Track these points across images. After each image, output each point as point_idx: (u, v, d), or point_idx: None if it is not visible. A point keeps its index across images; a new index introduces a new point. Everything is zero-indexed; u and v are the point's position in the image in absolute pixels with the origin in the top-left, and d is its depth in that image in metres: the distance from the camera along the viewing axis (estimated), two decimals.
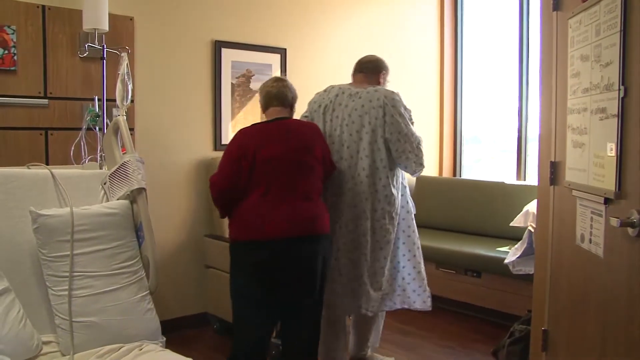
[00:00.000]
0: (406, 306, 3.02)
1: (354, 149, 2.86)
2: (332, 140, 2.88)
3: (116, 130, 2.49)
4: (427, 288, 3.02)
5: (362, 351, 3.10)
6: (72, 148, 2.97)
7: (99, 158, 2.90)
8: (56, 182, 2.25)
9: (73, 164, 2.94)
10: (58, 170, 2.32)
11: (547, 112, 2.44)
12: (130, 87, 2.58)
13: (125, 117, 2.49)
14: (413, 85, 4.74)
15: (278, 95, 2.69)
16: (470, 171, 5.28)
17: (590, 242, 1.95)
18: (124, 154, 2.46)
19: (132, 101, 2.69)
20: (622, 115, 1.71)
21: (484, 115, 5.17)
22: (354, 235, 2.87)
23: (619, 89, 1.71)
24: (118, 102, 2.56)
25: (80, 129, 3.00)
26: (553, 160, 2.36)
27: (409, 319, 3.16)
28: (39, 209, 2.07)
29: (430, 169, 4.98)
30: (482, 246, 4.02)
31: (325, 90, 3.01)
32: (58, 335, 2.02)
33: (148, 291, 2.20)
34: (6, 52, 2.94)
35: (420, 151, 2.87)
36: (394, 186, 2.87)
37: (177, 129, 3.68)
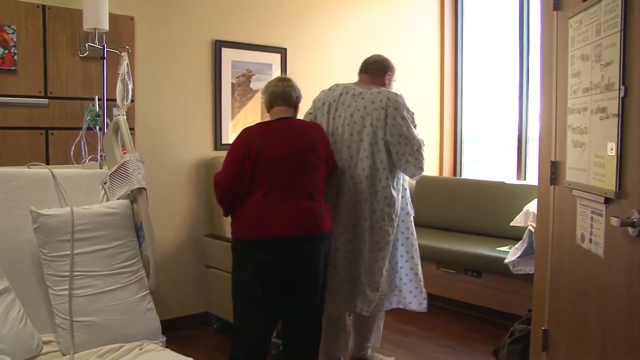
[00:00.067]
0: (401, 306, 3.04)
1: (355, 149, 2.86)
2: (334, 139, 2.89)
3: (116, 129, 2.49)
4: (424, 290, 3.03)
5: (362, 351, 3.10)
6: (73, 148, 2.97)
7: (99, 158, 2.90)
8: (56, 181, 2.25)
9: (73, 164, 2.94)
10: (58, 170, 2.32)
11: (548, 111, 2.43)
12: (130, 86, 2.58)
13: (125, 117, 2.49)
14: (413, 85, 4.73)
15: (283, 94, 2.70)
16: (471, 171, 5.28)
17: (591, 242, 1.95)
18: (124, 153, 2.46)
19: (132, 101, 2.69)
20: (623, 115, 1.71)
21: (484, 115, 5.17)
22: (352, 235, 2.87)
23: (620, 89, 1.71)
24: (118, 101, 2.56)
25: (80, 128, 3.00)
26: (553, 159, 2.36)
27: (410, 318, 3.16)
28: (40, 209, 2.07)
29: (430, 169, 4.98)
30: (482, 246, 4.02)
31: (330, 89, 3.02)
32: (58, 334, 2.02)
33: (148, 291, 2.20)
34: (6, 51, 2.94)
35: (421, 155, 2.86)
36: (394, 188, 2.87)
37: (177, 129, 3.68)
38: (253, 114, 4.01)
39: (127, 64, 2.58)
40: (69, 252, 2.04)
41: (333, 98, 2.95)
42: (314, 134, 2.70)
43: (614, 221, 1.66)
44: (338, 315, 2.98)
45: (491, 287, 3.82)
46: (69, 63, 3.14)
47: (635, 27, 1.67)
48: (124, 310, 2.08)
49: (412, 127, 2.85)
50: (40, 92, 3.07)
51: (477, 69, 5.16)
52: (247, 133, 2.63)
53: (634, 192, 1.67)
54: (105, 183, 2.37)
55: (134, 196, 2.30)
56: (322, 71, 4.24)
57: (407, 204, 2.99)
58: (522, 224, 3.53)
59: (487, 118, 5.17)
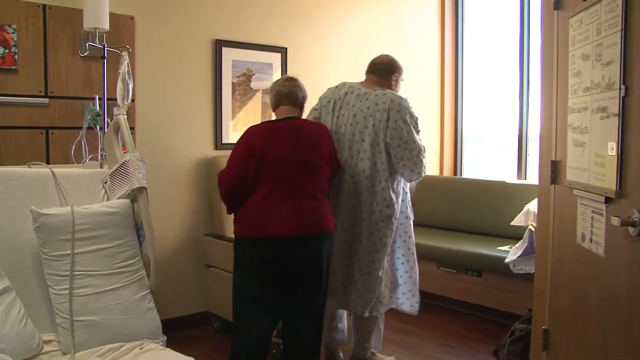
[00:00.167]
0: (394, 306, 3.07)
1: (356, 150, 2.87)
2: (337, 138, 2.91)
3: (117, 129, 2.49)
4: (417, 294, 3.05)
5: (362, 351, 3.11)
6: (73, 147, 2.97)
7: (99, 157, 2.90)
8: (57, 181, 2.26)
9: (74, 163, 2.94)
10: (59, 170, 2.32)
11: (548, 111, 2.43)
12: (130, 86, 2.58)
13: (126, 116, 2.49)
14: (413, 85, 4.72)
15: (289, 94, 2.71)
16: (471, 170, 5.28)
17: (591, 242, 1.95)
18: (124, 153, 2.46)
19: (132, 100, 2.69)
20: (623, 115, 1.70)
21: (485, 114, 5.17)
22: (350, 235, 2.89)
23: (620, 88, 1.71)
24: (119, 101, 2.56)
25: (81, 128, 3.00)
26: (554, 159, 2.36)
27: (410, 318, 3.16)
28: (40, 208, 2.07)
29: (431, 168, 4.97)
30: (482, 245, 4.02)
31: (337, 87, 3.04)
32: (59, 334, 2.02)
33: (149, 290, 2.20)
34: (7, 51, 2.94)
35: (420, 160, 2.86)
36: (393, 190, 2.88)
37: (177, 128, 3.68)
38: (253, 113, 4.01)
39: (128, 64, 2.59)
40: (69, 252, 2.04)
41: (338, 96, 2.96)
42: (319, 133, 2.70)
43: (615, 221, 1.66)
44: (332, 312, 3.02)
45: (492, 286, 3.82)
46: (69, 62, 3.14)
47: (636, 26, 1.67)
48: (125, 309, 2.08)
49: (414, 132, 2.85)
50: (40, 92, 3.07)
51: (477, 69, 5.16)
52: (251, 133, 2.63)
53: (635, 191, 1.67)
54: (105, 182, 2.37)
55: (135, 195, 2.30)
56: (322, 71, 4.24)
57: (407, 207, 3.00)
58: (522, 224, 3.53)
59: (487, 117, 5.17)
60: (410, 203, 3.03)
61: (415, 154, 2.84)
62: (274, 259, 2.52)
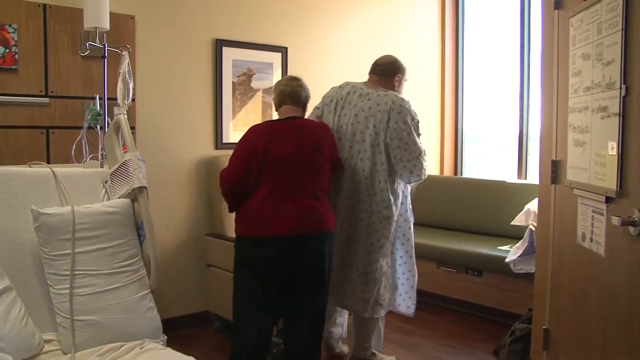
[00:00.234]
0: (390, 308, 3.08)
1: (356, 149, 2.88)
2: (338, 137, 2.92)
3: (117, 128, 2.49)
4: (414, 296, 3.07)
5: (363, 351, 3.11)
6: (74, 147, 2.97)
7: (100, 157, 2.90)
8: (57, 180, 2.26)
9: (74, 163, 2.94)
10: (59, 169, 2.32)
11: (549, 110, 2.43)
12: (131, 85, 2.57)
13: (126, 116, 2.49)
14: (414, 85, 4.71)
15: (292, 94, 2.71)
16: (472, 170, 5.28)
17: (592, 241, 1.95)
18: (125, 152, 2.46)
19: (133, 100, 2.69)
20: (624, 114, 1.70)
21: (485, 114, 5.17)
22: (348, 234, 2.90)
23: (621, 88, 1.71)
24: (119, 100, 2.56)
25: (81, 127, 3.00)
26: (554, 159, 2.36)
27: (410, 317, 3.16)
28: (41, 208, 2.07)
29: (431, 168, 4.97)
30: (483, 245, 4.02)
31: (340, 86, 3.05)
32: (59, 333, 2.02)
33: (149, 290, 2.20)
34: (7, 50, 2.94)
35: (420, 162, 2.86)
36: (392, 191, 2.88)
37: (178, 128, 3.68)
38: (254, 113, 4.01)
39: (128, 63, 2.58)
40: (69, 251, 2.04)
41: (341, 96, 2.97)
42: (321, 133, 2.71)
43: (615, 220, 1.66)
44: (330, 309, 3.04)
45: (492, 286, 3.82)
46: (69, 62, 3.14)
47: (636, 26, 1.67)
48: (125, 309, 2.08)
49: (415, 134, 2.85)
50: (41, 91, 3.07)
51: (477, 68, 5.15)
52: (253, 132, 2.64)
53: (635, 191, 1.67)
54: (106, 182, 2.37)
55: (135, 195, 2.30)
56: (322, 70, 4.24)
57: (406, 210, 3.00)
58: (523, 223, 3.53)
59: (488, 117, 5.17)
60: (410, 206, 3.04)
61: (415, 155, 2.83)
62: (275, 258, 2.52)
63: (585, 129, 1.99)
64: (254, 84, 4.00)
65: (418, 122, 2.89)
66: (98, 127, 3.02)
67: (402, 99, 2.86)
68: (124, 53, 2.63)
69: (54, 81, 3.10)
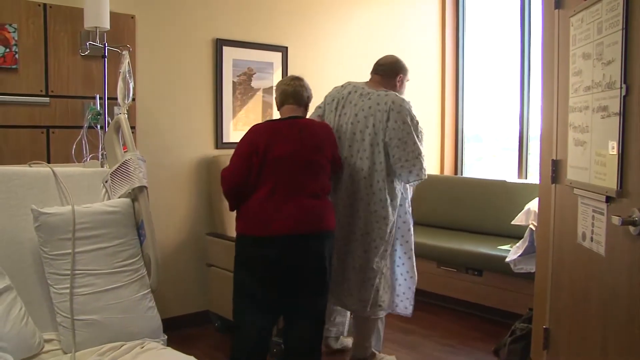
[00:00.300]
0: (390, 310, 3.09)
1: (356, 149, 2.88)
2: (338, 136, 2.93)
3: (117, 128, 2.49)
4: (412, 297, 3.06)
5: (363, 351, 3.11)
6: (74, 146, 2.97)
7: (100, 156, 2.90)
8: (58, 180, 2.26)
9: (74, 162, 2.95)
10: (59, 169, 2.32)
11: (549, 110, 2.43)
12: (131, 85, 2.58)
13: (126, 115, 2.49)
14: (414, 85, 4.71)
15: (294, 93, 2.71)
16: (472, 169, 5.28)
17: (592, 241, 1.95)
18: (125, 152, 2.46)
19: (133, 99, 2.69)
20: (624, 114, 1.70)
21: (486, 114, 5.17)
22: (346, 233, 2.91)
23: (621, 87, 1.71)
24: (119, 100, 2.56)
25: (81, 127, 3.01)
26: (554, 158, 2.36)
27: (410, 317, 3.16)
28: (41, 207, 2.07)
29: (431, 168, 4.98)
30: (483, 244, 4.02)
31: (342, 86, 3.06)
32: (60, 333, 2.02)
33: (149, 289, 2.20)
34: (7, 50, 2.94)
35: (419, 162, 2.85)
36: (390, 191, 2.88)
37: (178, 127, 3.68)
38: (254, 112, 4.01)
39: (128, 63, 2.58)
40: (70, 251, 2.04)
41: (342, 95, 2.98)
42: (322, 133, 2.71)
43: (615, 220, 1.66)
44: (330, 308, 3.04)
45: (492, 285, 3.82)
46: (70, 61, 3.14)
47: (637, 25, 1.67)
48: (125, 308, 2.08)
49: (414, 134, 2.84)
50: (41, 91, 3.07)
51: (478, 68, 5.15)
52: (254, 132, 2.64)
53: (635, 190, 1.66)
54: (106, 181, 2.37)
55: (135, 195, 2.30)
56: (322, 70, 4.24)
57: (405, 212, 3.00)
58: (523, 223, 3.53)
59: (488, 117, 5.17)
60: (410, 209, 3.03)
61: (415, 155, 2.83)
62: (275, 258, 2.52)
63: (586, 129, 1.99)
64: (254, 83, 4.00)
65: (418, 122, 2.88)
66: (98, 126, 3.02)
67: (402, 99, 2.86)
68: (124, 53, 2.64)
69: (54, 81, 3.10)
